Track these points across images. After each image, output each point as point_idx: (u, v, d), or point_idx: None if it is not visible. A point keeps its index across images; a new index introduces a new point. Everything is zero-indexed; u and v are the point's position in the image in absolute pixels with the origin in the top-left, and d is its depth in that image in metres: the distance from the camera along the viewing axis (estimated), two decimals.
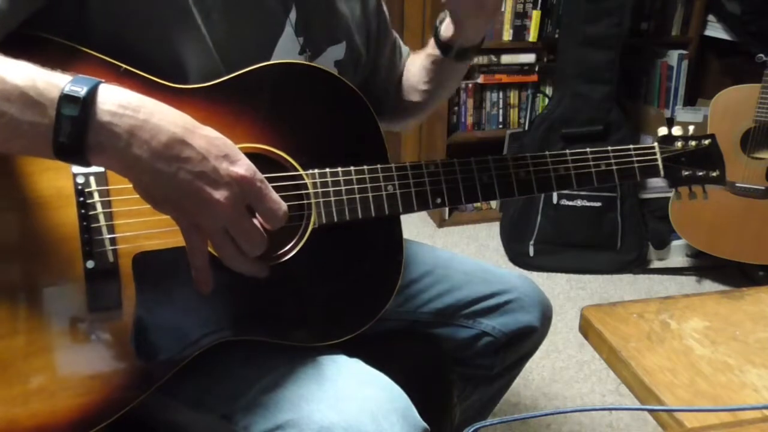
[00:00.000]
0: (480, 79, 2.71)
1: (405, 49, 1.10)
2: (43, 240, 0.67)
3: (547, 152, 0.88)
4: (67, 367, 0.68)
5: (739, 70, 2.50)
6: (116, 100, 0.58)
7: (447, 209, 2.80)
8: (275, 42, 0.82)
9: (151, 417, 0.76)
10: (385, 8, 1.04)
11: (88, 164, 0.59)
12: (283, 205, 0.65)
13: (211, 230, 0.63)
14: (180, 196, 0.60)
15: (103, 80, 0.59)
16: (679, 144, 0.94)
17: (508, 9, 2.63)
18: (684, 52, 2.69)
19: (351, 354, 0.82)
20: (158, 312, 0.72)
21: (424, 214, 2.88)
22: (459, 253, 1.11)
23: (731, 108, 2.14)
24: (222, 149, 0.61)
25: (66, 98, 0.56)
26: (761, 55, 2.01)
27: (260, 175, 0.63)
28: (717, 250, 2.24)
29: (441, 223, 2.80)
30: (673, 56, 2.69)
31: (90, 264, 0.68)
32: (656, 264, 2.52)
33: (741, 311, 0.74)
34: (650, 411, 0.62)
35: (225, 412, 0.77)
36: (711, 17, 2.69)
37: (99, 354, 0.69)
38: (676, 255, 2.55)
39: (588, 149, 0.90)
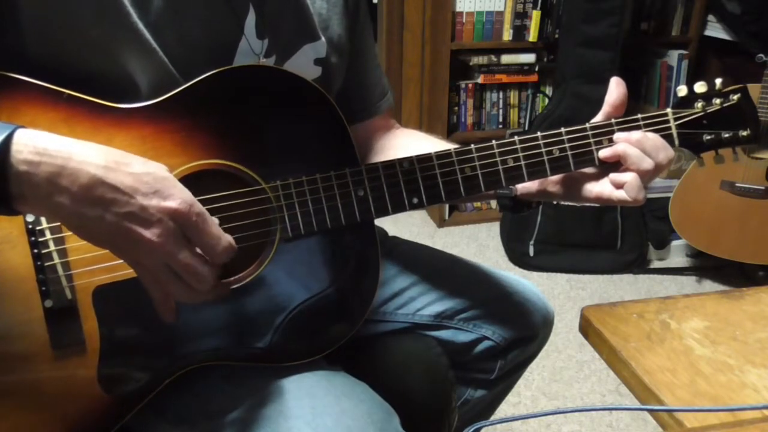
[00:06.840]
0: (480, 79, 2.71)
1: (388, 89, 1.03)
2: None
3: (561, 131, 0.79)
4: (38, 406, 0.67)
5: (739, 70, 2.50)
6: (32, 148, 0.55)
7: (447, 209, 2.81)
8: (234, 48, 0.77)
9: None
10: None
11: (16, 214, 0.57)
12: (224, 240, 0.61)
13: (152, 268, 0.60)
14: (111, 238, 0.58)
15: (20, 125, 0.56)
16: (699, 105, 0.80)
17: (508, 9, 2.63)
18: (684, 52, 2.69)
19: (336, 362, 0.80)
20: (124, 344, 0.70)
21: (424, 214, 2.88)
22: (459, 253, 1.09)
23: None
24: (152, 185, 0.58)
25: None
26: (761, 55, 2.01)
27: (198, 208, 0.60)
28: (717, 250, 2.24)
29: (441, 223, 2.80)
30: (673, 56, 2.69)
31: (48, 303, 0.66)
32: (656, 264, 2.52)
33: (741, 311, 0.73)
34: (650, 411, 0.61)
35: (208, 429, 0.76)
36: (711, 17, 2.69)
37: (69, 390, 0.68)
38: (676, 255, 2.56)
39: (588, 125, 0.80)
